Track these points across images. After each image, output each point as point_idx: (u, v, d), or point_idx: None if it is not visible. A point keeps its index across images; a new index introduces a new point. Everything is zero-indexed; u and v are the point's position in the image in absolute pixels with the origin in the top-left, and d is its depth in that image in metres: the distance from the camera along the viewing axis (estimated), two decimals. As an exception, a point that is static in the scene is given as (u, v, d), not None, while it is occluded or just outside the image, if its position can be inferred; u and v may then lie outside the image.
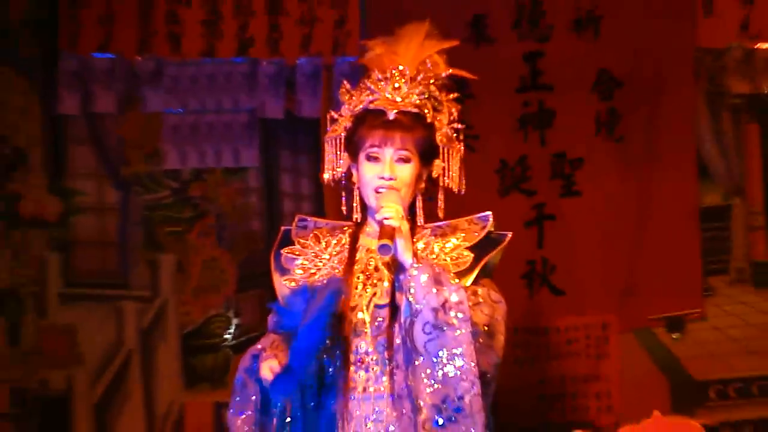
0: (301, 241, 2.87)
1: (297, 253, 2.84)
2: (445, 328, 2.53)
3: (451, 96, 2.80)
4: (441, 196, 2.80)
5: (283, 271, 2.82)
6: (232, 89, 4.98)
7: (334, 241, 2.85)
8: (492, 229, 2.78)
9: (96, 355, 5.03)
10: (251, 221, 5.15)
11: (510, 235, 2.79)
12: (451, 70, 2.80)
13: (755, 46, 4.95)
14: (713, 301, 5.03)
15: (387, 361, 2.65)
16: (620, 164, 4.92)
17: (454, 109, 2.79)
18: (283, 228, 2.93)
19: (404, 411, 2.60)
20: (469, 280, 2.69)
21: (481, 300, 2.66)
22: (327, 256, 2.82)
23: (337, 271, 2.77)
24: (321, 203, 4.74)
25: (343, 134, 2.78)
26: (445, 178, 2.78)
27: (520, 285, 4.90)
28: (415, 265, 2.58)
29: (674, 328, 4.97)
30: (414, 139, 2.69)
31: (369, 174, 2.69)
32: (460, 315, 2.55)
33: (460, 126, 2.80)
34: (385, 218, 2.58)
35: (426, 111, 2.72)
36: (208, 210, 5.09)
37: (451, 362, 2.52)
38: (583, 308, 4.91)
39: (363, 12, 4.85)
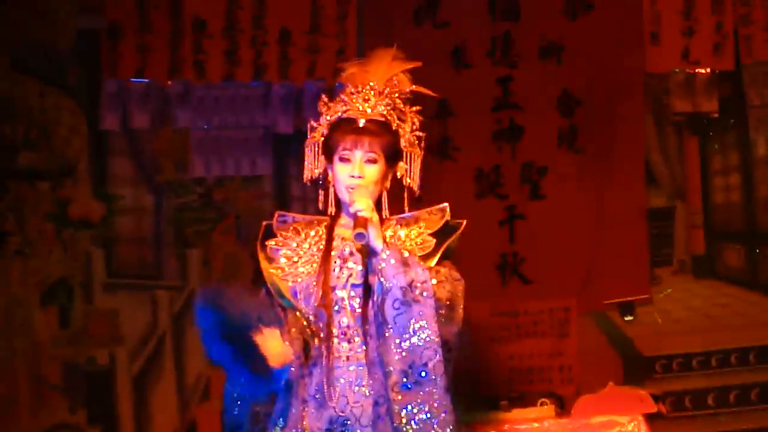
0: (283, 233, 2.85)
1: (280, 244, 2.82)
2: (411, 304, 2.53)
3: (414, 109, 2.79)
4: (406, 195, 2.79)
5: (270, 260, 2.81)
6: (249, 108, 4.96)
7: (312, 233, 2.82)
8: (449, 218, 2.77)
9: (134, 336, 5.02)
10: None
11: (465, 222, 2.77)
12: (414, 87, 2.80)
13: (694, 71, 4.95)
14: (659, 289, 5.01)
15: (364, 333, 2.64)
16: (579, 172, 4.90)
17: (416, 120, 2.79)
18: (264, 223, 2.90)
19: (377, 376, 2.59)
20: (432, 261, 2.70)
21: (443, 278, 2.66)
22: (307, 245, 2.80)
23: (316, 258, 2.76)
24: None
25: (320, 140, 2.79)
26: (408, 178, 2.78)
27: (495, 274, 4.89)
28: (385, 250, 2.58)
29: (626, 312, 4.95)
30: (380, 144, 2.69)
31: (342, 173, 2.69)
32: (424, 293, 2.55)
33: (421, 134, 2.79)
34: (359, 210, 2.58)
35: (391, 120, 2.72)
36: (229, 212, 5.06)
37: (416, 334, 2.52)
38: (548, 294, 4.88)
39: (360, 43, 4.85)
